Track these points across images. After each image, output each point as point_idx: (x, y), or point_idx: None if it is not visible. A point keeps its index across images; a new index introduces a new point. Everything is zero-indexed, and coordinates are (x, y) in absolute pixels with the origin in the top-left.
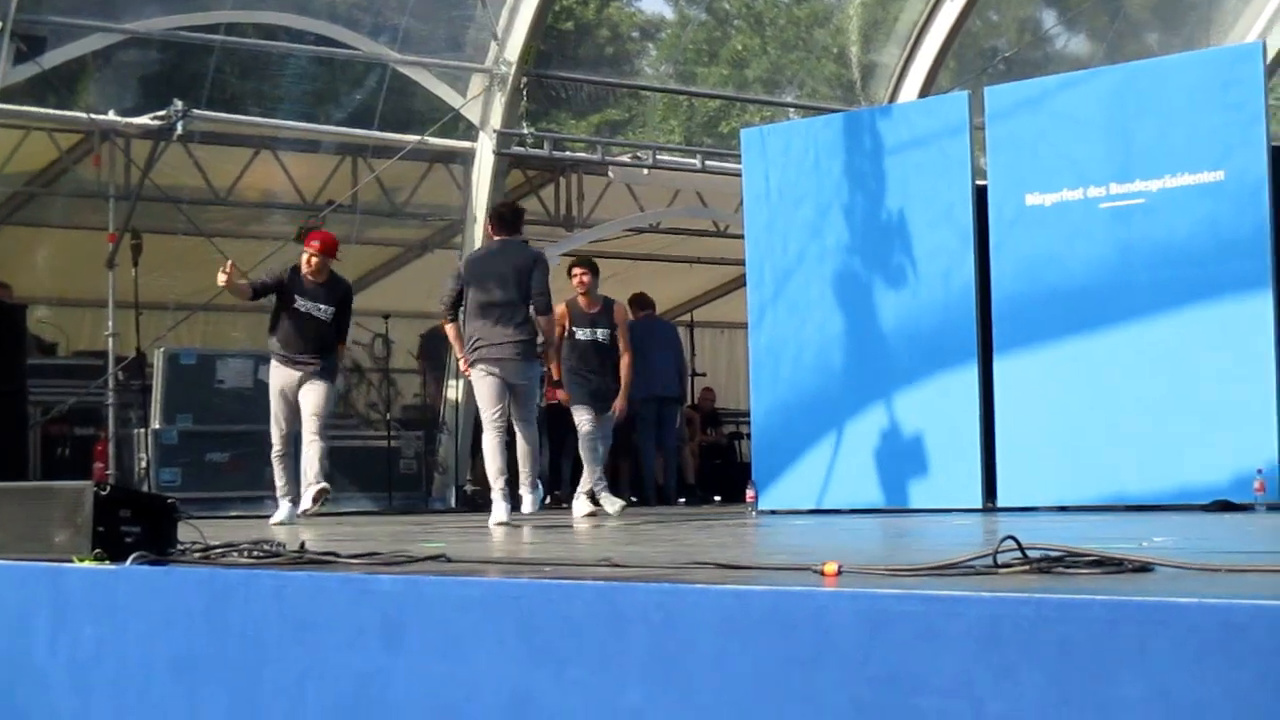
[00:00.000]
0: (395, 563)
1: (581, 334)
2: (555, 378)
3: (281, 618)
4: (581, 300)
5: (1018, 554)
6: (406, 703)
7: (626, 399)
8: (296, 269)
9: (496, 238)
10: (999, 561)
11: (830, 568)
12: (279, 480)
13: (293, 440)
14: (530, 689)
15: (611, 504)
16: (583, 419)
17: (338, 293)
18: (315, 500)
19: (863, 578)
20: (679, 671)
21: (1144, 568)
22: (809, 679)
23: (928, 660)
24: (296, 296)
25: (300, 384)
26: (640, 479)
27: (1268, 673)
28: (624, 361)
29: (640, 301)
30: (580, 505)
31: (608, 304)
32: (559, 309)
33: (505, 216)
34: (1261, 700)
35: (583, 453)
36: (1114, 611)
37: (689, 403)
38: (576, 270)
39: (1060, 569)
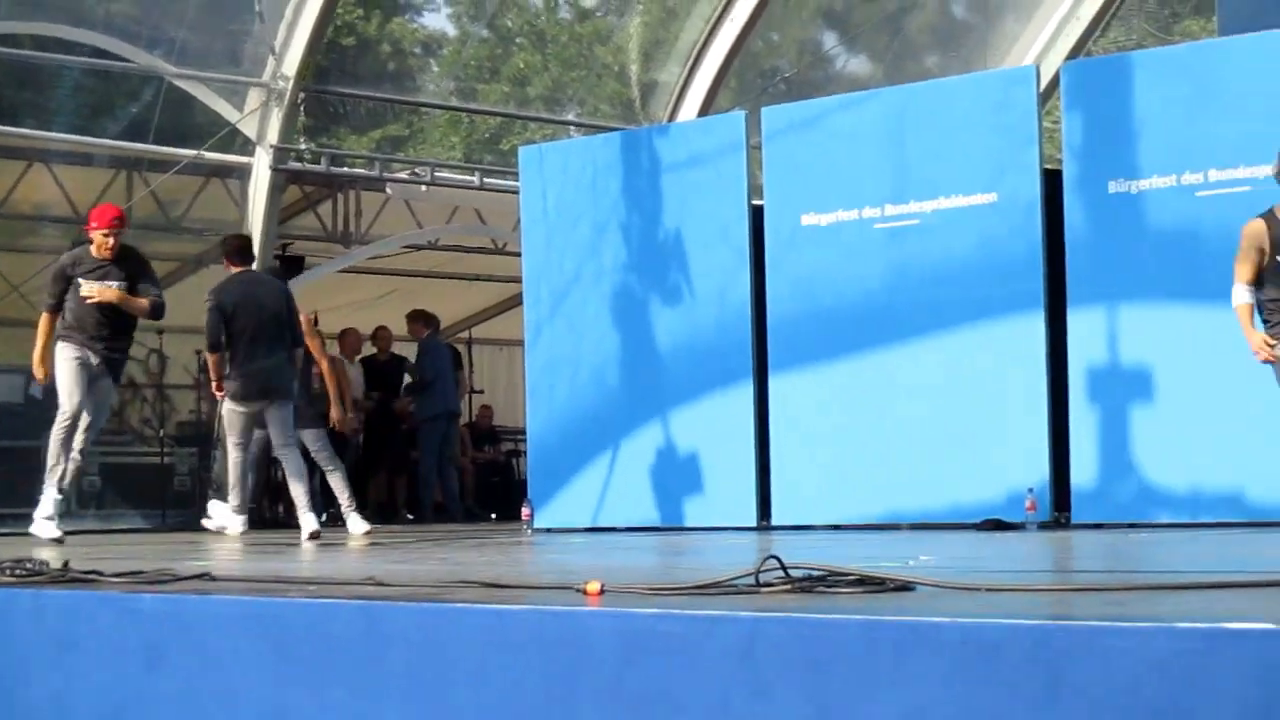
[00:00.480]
0: (158, 581)
1: None
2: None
3: (40, 638)
4: None
5: (781, 573)
6: None
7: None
8: (77, 259)
9: (239, 269)
10: (761, 581)
11: (593, 587)
12: (53, 459)
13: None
14: (288, 708)
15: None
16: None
17: (129, 264)
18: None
19: (625, 597)
20: (439, 691)
21: (905, 587)
22: (568, 698)
23: (685, 679)
24: (82, 281)
25: (95, 373)
26: (419, 496)
27: (1021, 690)
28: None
29: (425, 319)
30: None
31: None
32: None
33: (245, 249)
34: (1013, 718)
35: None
36: (870, 631)
37: (466, 420)
38: None
39: (822, 588)
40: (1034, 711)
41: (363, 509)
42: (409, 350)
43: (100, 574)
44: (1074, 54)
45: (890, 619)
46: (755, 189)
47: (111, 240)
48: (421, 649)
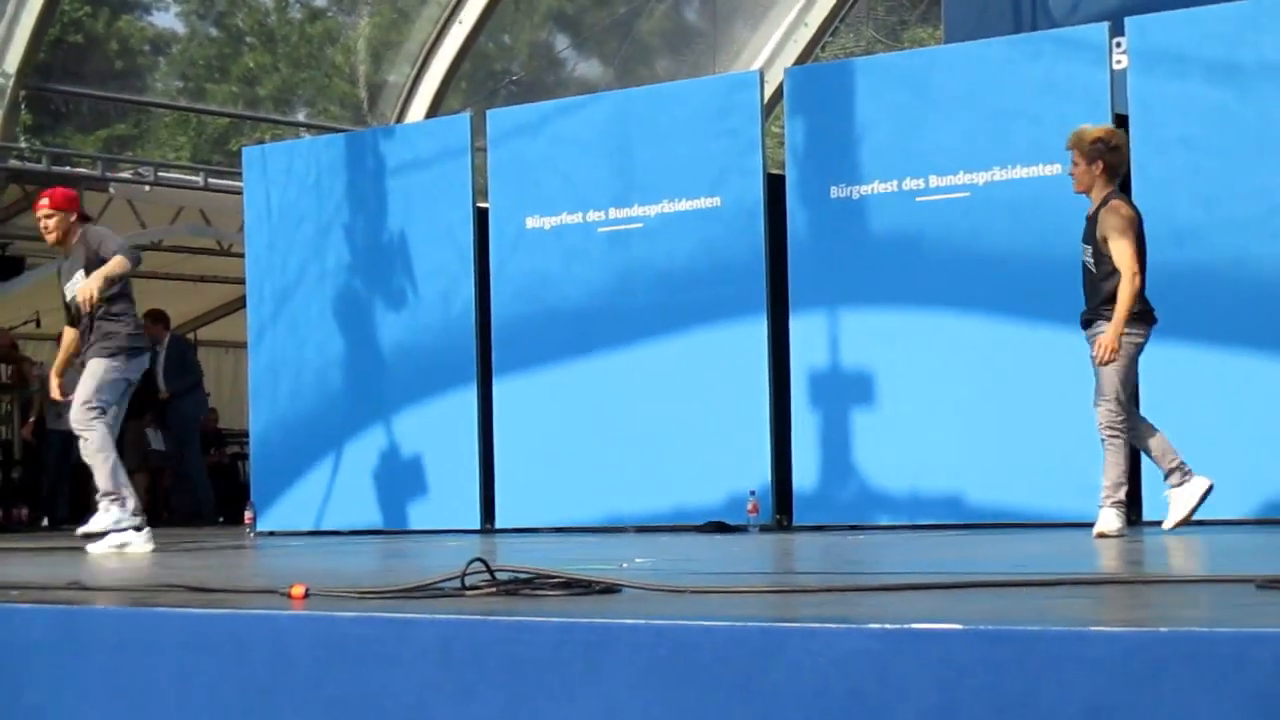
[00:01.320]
0: None
1: None
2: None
3: None
4: None
5: (487, 576)
6: None
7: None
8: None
9: None
10: (467, 584)
11: (297, 590)
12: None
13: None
14: None
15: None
16: None
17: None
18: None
19: (329, 600)
20: (138, 696)
21: (611, 589)
22: (266, 703)
23: (383, 683)
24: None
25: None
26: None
27: (713, 691)
28: None
29: (162, 318)
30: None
31: None
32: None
33: None
34: (707, 719)
35: None
36: (566, 633)
37: None
38: None
39: (528, 591)
40: (724, 712)
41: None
42: None
43: None
44: (802, 60)
45: (586, 621)
46: (480, 191)
47: (43, 225)
48: (121, 654)
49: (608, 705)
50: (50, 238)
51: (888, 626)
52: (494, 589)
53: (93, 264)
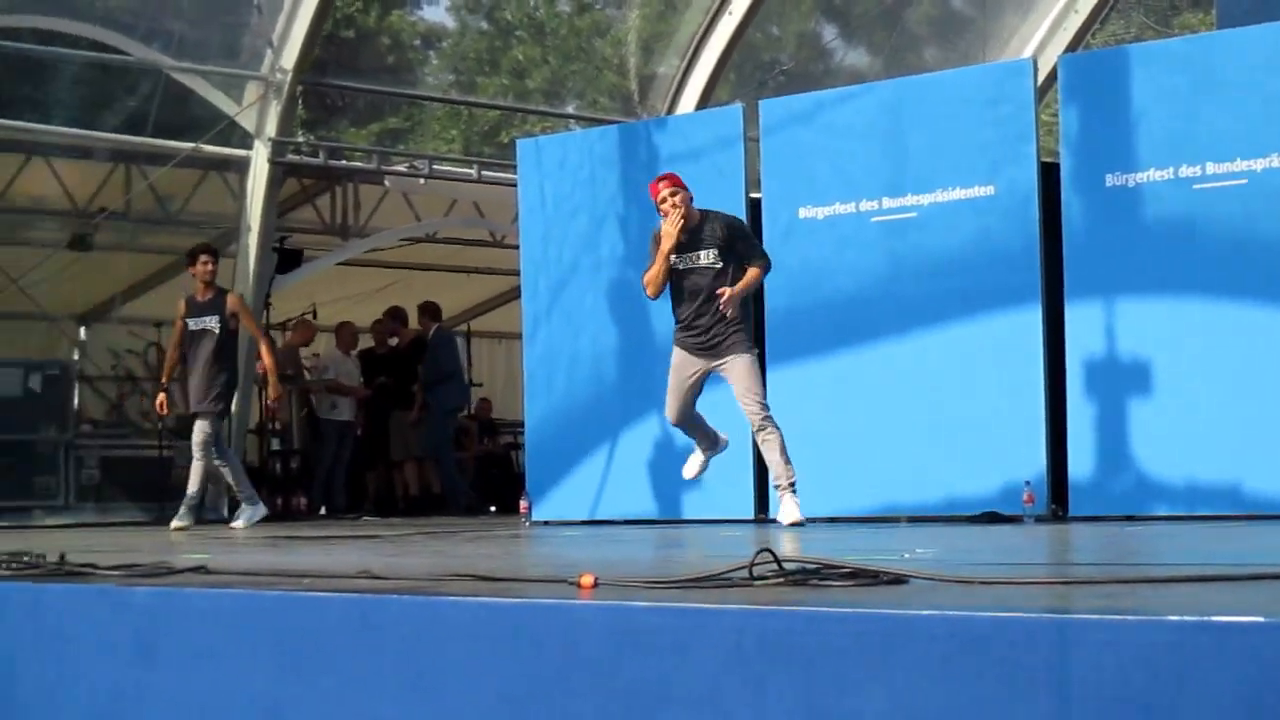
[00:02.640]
0: (153, 574)
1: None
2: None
3: (36, 631)
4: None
5: (774, 567)
6: (160, 716)
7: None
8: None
9: None
10: (754, 574)
11: (586, 580)
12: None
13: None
14: (282, 702)
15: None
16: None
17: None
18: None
19: (618, 590)
20: (431, 685)
21: (899, 580)
22: (558, 692)
23: (676, 674)
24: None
25: None
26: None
27: (1009, 684)
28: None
29: (434, 312)
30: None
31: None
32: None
33: None
34: (1003, 711)
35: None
36: (860, 624)
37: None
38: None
39: (815, 581)
40: (1022, 704)
41: (362, 501)
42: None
43: (95, 567)
44: (1072, 47)
45: (882, 612)
46: (753, 182)
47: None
48: (414, 642)
49: (902, 697)
50: (678, 213)
51: (1188, 619)
52: (782, 579)
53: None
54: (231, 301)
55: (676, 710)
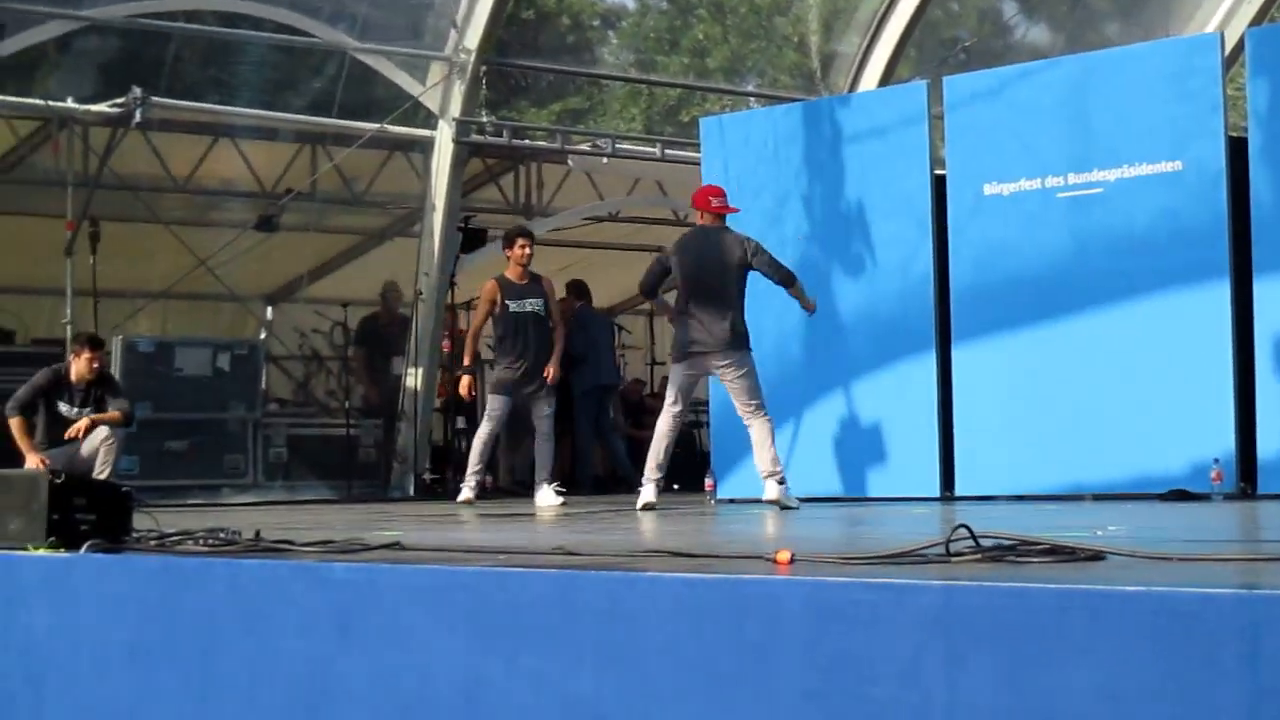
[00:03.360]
0: (349, 550)
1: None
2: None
3: (235, 606)
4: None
5: (970, 542)
6: (358, 691)
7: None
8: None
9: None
10: (951, 550)
11: (783, 556)
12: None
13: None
14: (482, 677)
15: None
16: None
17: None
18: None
19: (815, 566)
20: (630, 659)
21: (1096, 556)
22: (760, 667)
23: (878, 648)
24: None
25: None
26: (575, 468)
27: (1214, 661)
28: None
29: (580, 290)
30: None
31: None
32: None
33: None
34: (1208, 688)
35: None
36: (1063, 600)
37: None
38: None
39: (1012, 557)
40: (1229, 681)
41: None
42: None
43: (291, 543)
44: (1258, 20)
45: (1083, 588)
46: (937, 159)
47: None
48: (612, 618)
49: (1105, 673)
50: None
51: None
52: (979, 555)
53: None
54: (548, 285)
55: (878, 685)
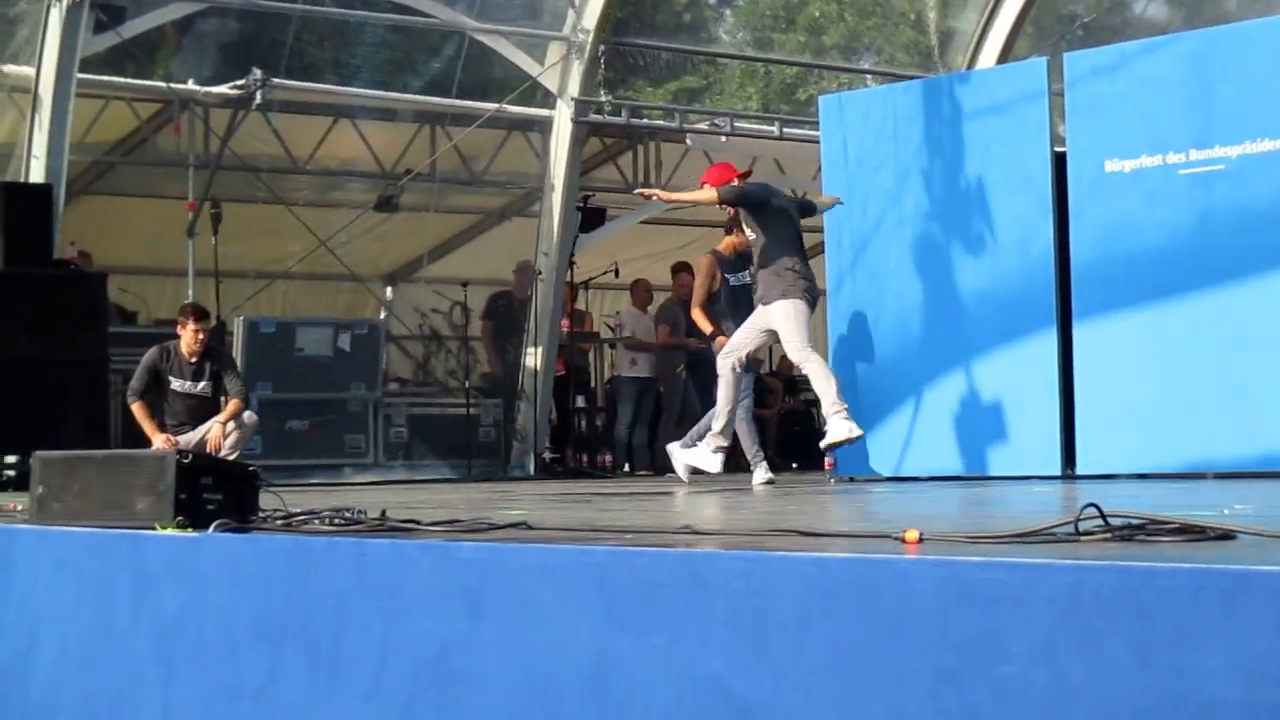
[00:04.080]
0: (476, 530)
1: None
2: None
3: (362, 585)
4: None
5: (1099, 522)
6: (488, 670)
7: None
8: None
9: None
10: (1080, 529)
11: (911, 535)
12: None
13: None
14: (612, 656)
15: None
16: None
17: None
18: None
19: (944, 545)
20: (760, 639)
21: (1226, 535)
22: (891, 646)
23: (1010, 628)
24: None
25: None
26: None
27: None
28: None
29: (680, 270)
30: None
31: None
32: (706, 259)
33: None
34: None
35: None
36: (1197, 580)
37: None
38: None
39: (1142, 537)
40: None
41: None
42: None
43: (418, 523)
44: None
45: (1217, 568)
46: (1057, 136)
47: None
48: (742, 597)
49: (1238, 654)
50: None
51: None
52: (1109, 534)
53: None
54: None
55: (1011, 665)
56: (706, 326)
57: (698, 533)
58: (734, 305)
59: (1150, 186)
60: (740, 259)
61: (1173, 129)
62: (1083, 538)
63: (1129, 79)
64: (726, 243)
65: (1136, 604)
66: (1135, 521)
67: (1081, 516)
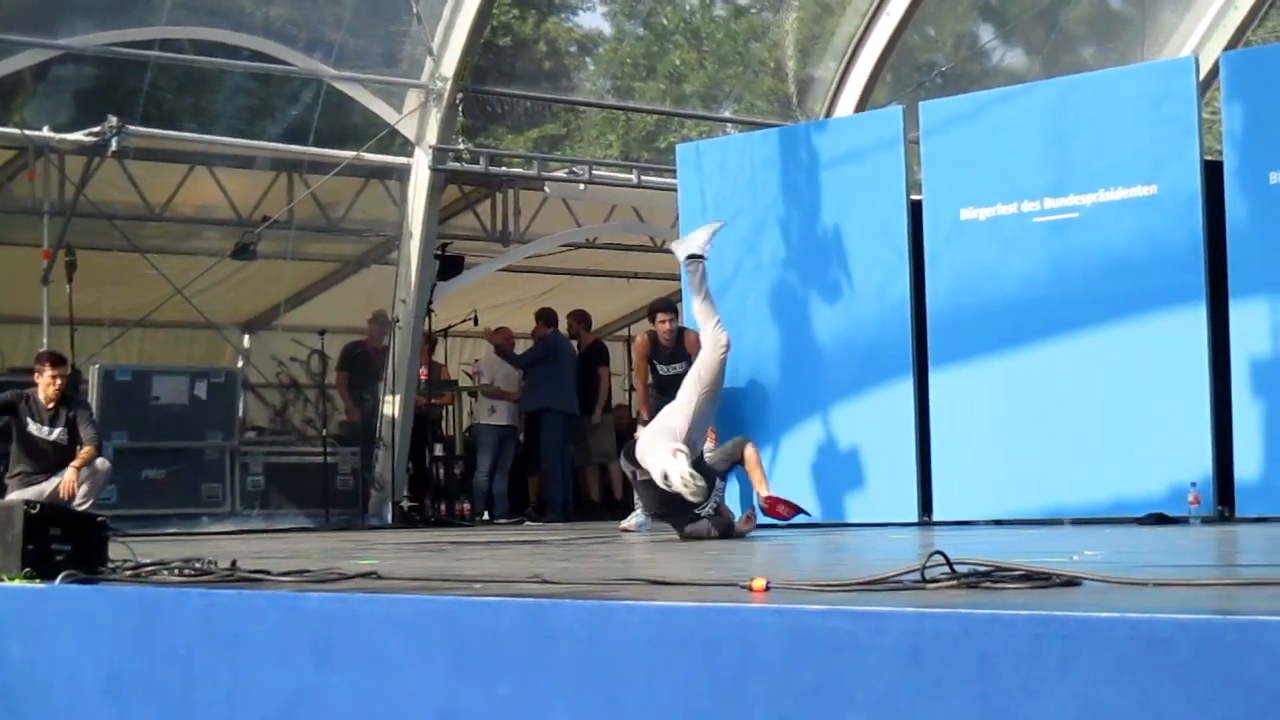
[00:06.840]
0: (325, 580)
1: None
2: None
3: (210, 636)
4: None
5: (946, 569)
6: None
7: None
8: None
9: None
10: (926, 577)
11: (758, 584)
12: None
13: None
14: (458, 706)
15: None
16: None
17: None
18: None
19: (790, 594)
20: (606, 688)
21: (1072, 582)
22: (736, 695)
23: (853, 676)
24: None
25: None
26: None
27: (1190, 686)
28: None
29: (547, 318)
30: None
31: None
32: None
33: None
34: (1184, 715)
35: None
36: (1039, 626)
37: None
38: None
39: (988, 584)
40: (1204, 707)
41: (522, 507)
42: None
43: (267, 573)
44: (1232, 44)
45: (1059, 614)
46: (913, 184)
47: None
48: (587, 646)
49: (1080, 700)
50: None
51: None
52: (954, 582)
53: None
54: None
55: (855, 713)
56: (643, 411)
57: (546, 581)
58: (661, 393)
59: (1005, 234)
60: (677, 350)
61: (1028, 177)
62: (928, 585)
63: (984, 128)
64: (663, 330)
65: (980, 651)
66: (981, 569)
67: (928, 564)
